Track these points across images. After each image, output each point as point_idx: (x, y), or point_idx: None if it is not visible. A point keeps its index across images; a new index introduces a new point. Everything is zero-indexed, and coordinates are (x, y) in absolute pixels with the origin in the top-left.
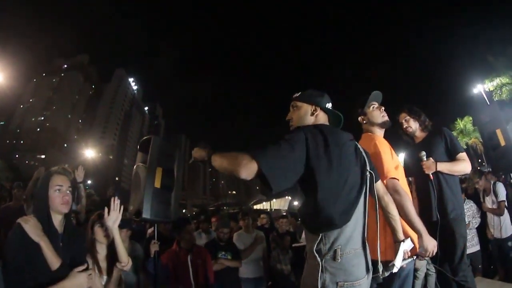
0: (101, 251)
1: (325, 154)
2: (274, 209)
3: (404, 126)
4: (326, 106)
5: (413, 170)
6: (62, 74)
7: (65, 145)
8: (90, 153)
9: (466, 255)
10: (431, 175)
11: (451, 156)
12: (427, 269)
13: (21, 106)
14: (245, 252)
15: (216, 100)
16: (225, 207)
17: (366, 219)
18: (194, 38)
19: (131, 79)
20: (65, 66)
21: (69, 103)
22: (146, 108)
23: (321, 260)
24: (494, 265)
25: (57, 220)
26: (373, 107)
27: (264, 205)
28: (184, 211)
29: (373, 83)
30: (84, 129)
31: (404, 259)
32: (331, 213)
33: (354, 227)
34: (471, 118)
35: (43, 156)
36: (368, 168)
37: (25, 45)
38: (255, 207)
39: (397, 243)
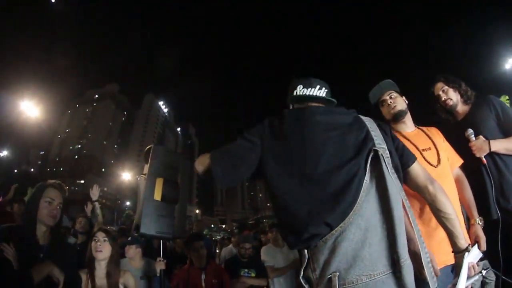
0: (99, 268)
1: (280, 142)
2: None
3: (443, 99)
4: (295, 93)
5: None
6: (94, 104)
7: (103, 169)
8: (126, 176)
9: None
10: (483, 159)
11: (506, 131)
12: (484, 276)
13: (59, 136)
14: (275, 272)
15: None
16: (264, 220)
17: (394, 224)
18: (219, 56)
19: (161, 103)
20: (96, 96)
21: (104, 130)
22: (178, 129)
23: None
24: None
25: (41, 231)
26: (380, 104)
27: None
28: (223, 226)
29: (402, 62)
30: (120, 154)
31: (469, 277)
32: (294, 221)
33: (361, 241)
34: (507, 97)
35: (82, 181)
36: (375, 146)
37: (57, 80)
38: None
39: (457, 254)
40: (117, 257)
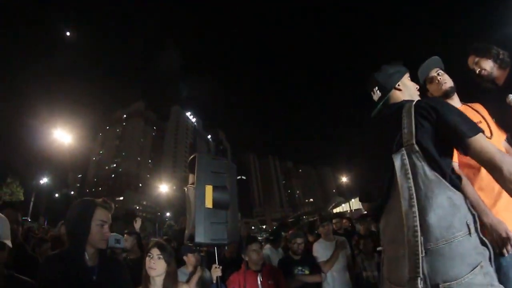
0: (154, 284)
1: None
2: (354, 209)
3: (478, 72)
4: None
5: (502, 124)
6: (124, 123)
7: (140, 184)
8: (164, 188)
9: None
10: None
11: None
12: None
13: (94, 159)
14: (327, 264)
15: (278, 110)
16: (304, 216)
17: (409, 217)
18: (245, 56)
19: (188, 113)
20: (125, 116)
21: (136, 147)
22: (209, 136)
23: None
24: None
25: (90, 253)
26: (429, 81)
27: (344, 207)
28: (264, 226)
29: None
30: (155, 168)
31: None
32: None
33: (395, 221)
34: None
35: (121, 198)
36: (405, 144)
37: (86, 105)
38: (334, 210)
39: None
40: (174, 273)
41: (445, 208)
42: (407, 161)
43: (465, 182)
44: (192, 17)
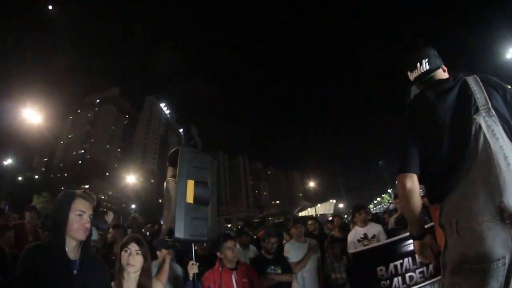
0: (129, 278)
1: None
2: (320, 214)
3: None
4: (410, 78)
5: None
6: (96, 109)
7: (107, 173)
8: (131, 179)
9: None
10: None
11: None
12: None
13: (61, 142)
14: (298, 265)
15: (252, 113)
16: (270, 218)
17: (509, 175)
18: (220, 53)
19: (162, 104)
20: (98, 100)
21: (106, 134)
22: (181, 130)
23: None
24: None
25: (71, 246)
26: None
27: (309, 211)
28: (229, 225)
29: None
30: (123, 157)
31: None
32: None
33: (474, 194)
34: (509, 86)
35: (87, 186)
36: (482, 108)
37: (58, 86)
38: (300, 214)
39: None
40: (149, 268)
41: None
42: (490, 122)
43: None
44: (176, 10)
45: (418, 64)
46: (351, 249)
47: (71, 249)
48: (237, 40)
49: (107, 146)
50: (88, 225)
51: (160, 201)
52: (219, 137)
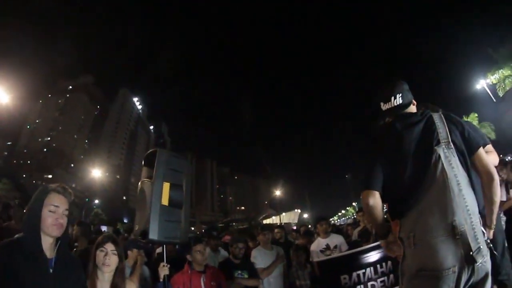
0: (103, 278)
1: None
2: (284, 223)
3: None
4: (382, 108)
5: None
6: (68, 95)
7: (72, 165)
8: (97, 173)
9: (507, 252)
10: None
11: None
12: None
13: (28, 127)
14: (265, 271)
15: (223, 118)
16: (234, 223)
17: (460, 200)
18: (199, 58)
19: (135, 99)
20: (70, 87)
21: (75, 123)
22: (151, 127)
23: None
24: None
25: (47, 243)
26: None
27: (274, 219)
28: (192, 228)
29: (374, 83)
30: (90, 149)
31: None
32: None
33: (430, 212)
34: (476, 115)
35: (50, 176)
36: (443, 141)
37: (31, 67)
38: (264, 221)
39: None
40: (123, 269)
41: (471, 197)
42: (448, 153)
43: None
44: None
45: (392, 97)
46: (315, 258)
47: (47, 246)
48: (213, 45)
49: (75, 136)
50: (62, 221)
51: (124, 198)
52: (189, 139)
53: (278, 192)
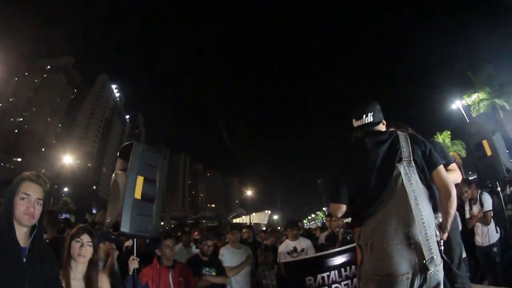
0: (76, 269)
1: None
2: (254, 223)
3: None
4: (353, 124)
5: None
6: (45, 75)
7: (43, 149)
8: (68, 159)
9: (463, 262)
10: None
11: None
12: None
13: (0, 105)
14: (233, 270)
15: (200, 111)
16: (204, 220)
17: (416, 213)
18: (181, 51)
19: (114, 86)
20: (49, 67)
21: (50, 105)
22: (127, 116)
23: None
24: (481, 271)
25: (22, 232)
26: None
27: (244, 219)
28: (162, 223)
29: (353, 100)
30: (63, 134)
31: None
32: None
33: (386, 222)
34: (449, 133)
35: (19, 159)
36: (405, 159)
37: (9, 41)
38: (234, 220)
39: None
40: (97, 261)
41: (428, 211)
42: (408, 171)
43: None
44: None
45: (364, 115)
46: (282, 259)
47: (21, 235)
48: (196, 37)
49: (49, 119)
50: (33, 210)
51: (94, 187)
52: (164, 132)
53: (249, 192)
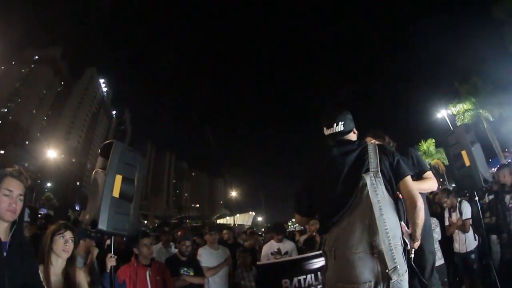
0: (56, 264)
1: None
2: (238, 224)
3: None
4: (324, 133)
5: None
6: (32, 66)
7: (27, 142)
8: (52, 153)
9: (435, 270)
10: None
11: (418, 175)
12: None
13: None
14: (210, 270)
15: (187, 111)
16: (188, 220)
17: (380, 223)
18: (171, 50)
19: (101, 80)
20: (36, 57)
21: (36, 97)
22: (114, 112)
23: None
24: (459, 277)
25: (2, 227)
26: None
27: (228, 220)
28: (145, 222)
29: (339, 104)
30: (48, 127)
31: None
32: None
33: (351, 231)
34: (434, 141)
35: (2, 152)
36: (372, 170)
37: None
38: (218, 221)
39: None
40: (75, 257)
41: (393, 221)
42: (374, 181)
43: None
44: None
45: (335, 124)
46: (263, 260)
47: (2, 230)
48: (185, 36)
49: (34, 111)
50: (15, 206)
51: (78, 183)
52: (151, 129)
53: (234, 193)
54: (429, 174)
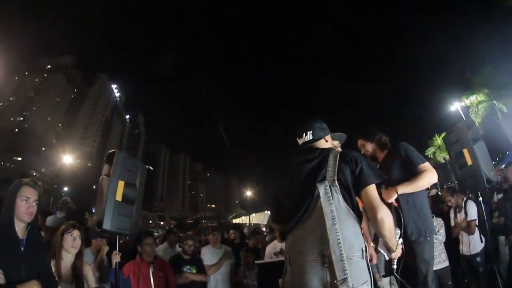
0: (66, 258)
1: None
2: (253, 224)
3: (363, 151)
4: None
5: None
6: (45, 75)
7: (43, 148)
8: (68, 159)
9: (431, 279)
10: (394, 202)
11: (411, 170)
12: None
13: (0, 104)
14: (211, 268)
15: (201, 112)
16: (203, 220)
17: (332, 232)
18: (182, 51)
19: (114, 86)
20: (49, 66)
21: (50, 105)
22: (127, 117)
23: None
24: (467, 279)
25: (20, 227)
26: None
27: (243, 219)
28: (162, 223)
29: (353, 103)
30: (63, 134)
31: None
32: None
33: (303, 239)
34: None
35: (19, 159)
36: (328, 178)
37: (9, 41)
38: (234, 221)
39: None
40: (83, 252)
41: (350, 232)
42: (329, 191)
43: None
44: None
45: (304, 134)
46: (266, 259)
47: (20, 229)
48: (197, 37)
49: (48, 119)
50: (32, 209)
51: (94, 187)
52: (165, 131)
53: (249, 193)
54: (424, 166)
